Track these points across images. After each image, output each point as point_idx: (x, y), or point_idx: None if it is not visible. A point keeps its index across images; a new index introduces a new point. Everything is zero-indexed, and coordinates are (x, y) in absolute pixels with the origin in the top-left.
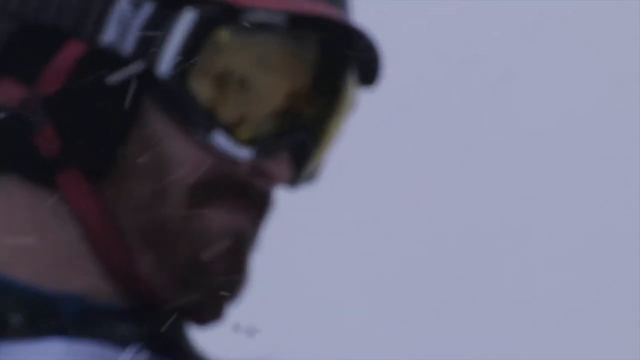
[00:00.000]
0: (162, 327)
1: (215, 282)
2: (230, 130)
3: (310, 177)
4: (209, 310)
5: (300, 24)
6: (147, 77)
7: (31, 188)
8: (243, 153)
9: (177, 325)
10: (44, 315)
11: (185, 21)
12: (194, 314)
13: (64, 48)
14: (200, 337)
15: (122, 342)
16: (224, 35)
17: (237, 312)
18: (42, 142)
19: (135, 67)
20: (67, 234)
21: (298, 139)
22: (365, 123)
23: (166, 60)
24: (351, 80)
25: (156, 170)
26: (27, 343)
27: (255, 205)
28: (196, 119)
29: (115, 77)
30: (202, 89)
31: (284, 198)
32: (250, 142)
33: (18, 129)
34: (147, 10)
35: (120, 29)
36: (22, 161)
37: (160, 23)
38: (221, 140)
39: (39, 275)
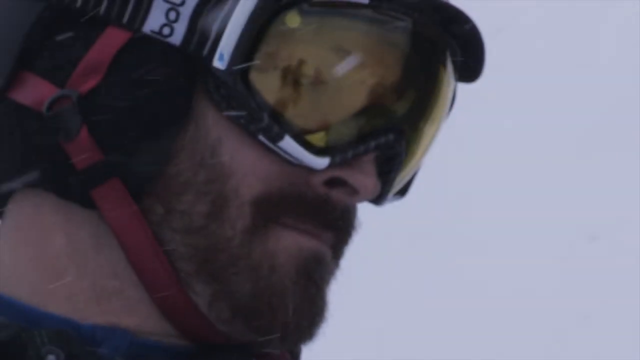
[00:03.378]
0: None
1: (285, 317)
2: (303, 133)
3: (401, 190)
4: (280, 350)
5: (387, 3)
6: (201, 71)
7: (65, 205)
8: (318, 161)
9: None
10: (85, 355)
11: (246, 3)
12: (262, 355)
13: (100, 37)
14: None
15: None
16: (293, 18)
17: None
18: (75, 150)
19: (186, 60)
20: (110, 260)
21: (386, 142)
22: None
23: (223, 51)
24: (449, 72)
25: (212, 183)
26: None
27: (333, 224)
28: (261, 121)
29: (162, 72)
30: (267, 84)
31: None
32: (327, 147)
33: (47, 135)
34: None
35: (168, 13)
36: (52, 174)
37: (216, 6)
38: (291, 145)
39: (78, 308)
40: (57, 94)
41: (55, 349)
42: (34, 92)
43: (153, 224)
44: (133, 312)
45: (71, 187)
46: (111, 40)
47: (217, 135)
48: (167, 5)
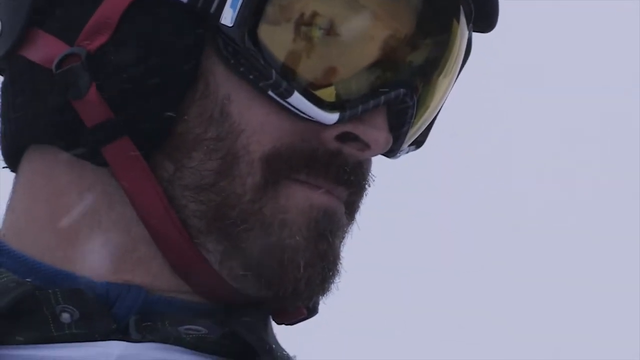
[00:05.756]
0: (237, 326)
1: (296, 273)
2: (312, 88)
3: (414, 142)
4: (291, 306)
5: None
6: (210, 27)
7: (78, 163)
8: (328, 116)
9: (257, 323)
10: (99, 313)
11: None
12: (274, 310)
13: None
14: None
15: (190, 346)
16: None
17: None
18: (85, 108)
19: (195, 17)
20: (122, 218)
21: (395, 97)
22: None
23: (231, 8)
24: (462, 24)
25: (222, 140)
26: (80, 347)
27: (345, 179)
28: (269, 77)
29: (170, 29)
30: (275, 40)
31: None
32: (336, 102)
33: (57, 93)
34: None
35: None
36: (62, 131)
37: None
38: (301, 101)
39: (92, 266)
40: (66, 51)
41: (69, 307)
42: (44, 49)
43: (163, 181)
44: (146, 269)
45: (82, 145)
46: None
47: (226, 92)
48: None
